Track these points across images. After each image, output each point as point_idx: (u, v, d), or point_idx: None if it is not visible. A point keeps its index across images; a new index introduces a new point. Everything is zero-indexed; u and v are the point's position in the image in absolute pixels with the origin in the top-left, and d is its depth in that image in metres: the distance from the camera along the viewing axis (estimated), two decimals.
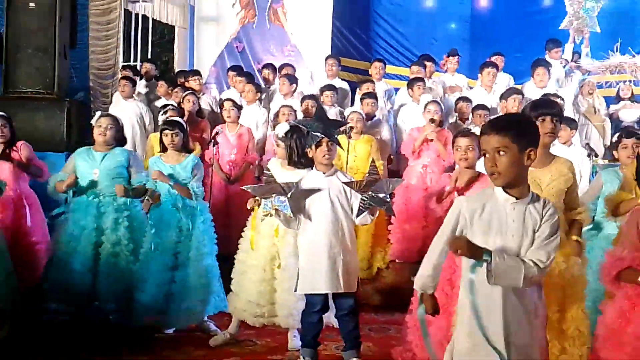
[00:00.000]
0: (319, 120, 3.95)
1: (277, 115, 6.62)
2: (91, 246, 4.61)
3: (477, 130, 4.33)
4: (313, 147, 3.87)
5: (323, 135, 3.83)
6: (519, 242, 2.39)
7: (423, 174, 6.06)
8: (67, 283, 4.57)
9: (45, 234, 5.28)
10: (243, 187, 4.22)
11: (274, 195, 3.88)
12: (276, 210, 3.89)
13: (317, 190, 3.85)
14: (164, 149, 4.78)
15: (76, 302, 4.58)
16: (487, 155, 2.41)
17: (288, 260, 4.30)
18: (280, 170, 4.33)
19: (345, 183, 3.86)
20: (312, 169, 4.06)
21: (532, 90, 7.31)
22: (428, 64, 8.16)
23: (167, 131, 4.71)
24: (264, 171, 4.07)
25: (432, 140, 6.04)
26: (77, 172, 4.72)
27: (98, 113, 5.04)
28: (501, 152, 2.36)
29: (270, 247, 4.38)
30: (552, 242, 2.39)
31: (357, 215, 3.83)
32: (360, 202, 3.76)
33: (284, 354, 4.34)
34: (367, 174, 3.80)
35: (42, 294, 4.72)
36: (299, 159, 4.20)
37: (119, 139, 4.86)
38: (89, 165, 4.71)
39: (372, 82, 7.74)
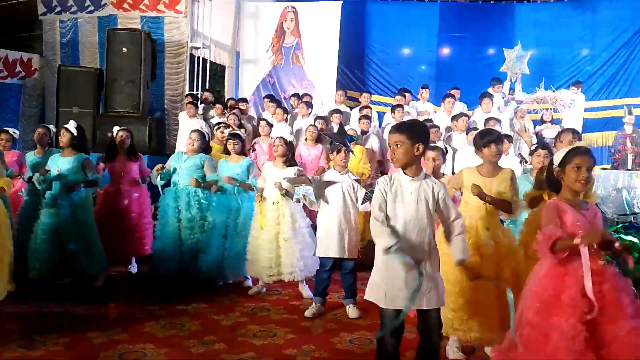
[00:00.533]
0: (340, 134, 4.02)
1: (306, 130, 6.52)
2: (175, 221, 4.63)
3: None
4: (334, 152, 3.90)
5: (342, 145, 3.87)
6: (415, 208, 2.48)
7: None
8: (164, 248, 4.63)
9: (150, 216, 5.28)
10: (283, 178, 4.22)
11: (302, 185, 3.91)
12: (303, 195, 3.91)
13: (334, 183, 3.89)
14: (227, 152, 4.79)
15: (170, 260, 4.61)
16: (390, 147, 2.56)
17: (289, 234, 4.30)
18: (272, 169, 4.40)
19: (355, 180, 3.90)
20: (295, 167, 4.27)
21: (480, 115, 7.25)
22: (406, 94, 8.10)
23: (230, 140, 4.73)
24: (297, 168, 4.09)
25: None
26: (170, 168, 4.79)
27: (190, 130, 5.11)
28: (398, 145, 2.50)
29: (275, 226, 4.36)
30: (454, 205, 2.58)
31: (362, 204, 3.85)
32: (365, 195, 3.79)
33: (301, 300, 4.34)
34: (372, 176, 3.84)
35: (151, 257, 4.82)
36: (292, 160, 4.42)
37: (204, 148, 4.86)
38: (177, 164, 4.77)
39: (370, 108, 7.71)
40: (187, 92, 8.78)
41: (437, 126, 6.48)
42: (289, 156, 4.42)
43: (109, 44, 7.66)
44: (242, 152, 4.81)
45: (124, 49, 7.56)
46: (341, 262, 3.95)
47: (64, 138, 4.52)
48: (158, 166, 4.70)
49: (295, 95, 8.43)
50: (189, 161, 4.74)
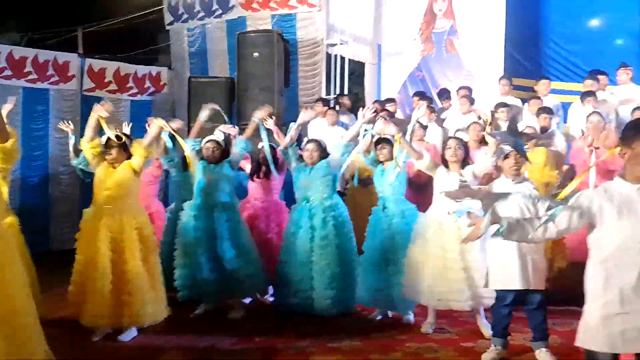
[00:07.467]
0: (510, 133, 3.90)
1: (468, 129, 6.41)
2: (308, 243, 4.97)
3: None
4: (502, 158, 3.83)
5: (512, 148, 3.78)
6: None
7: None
8: (292, 274, 4.99)
9: None
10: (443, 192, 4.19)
11: (465, 200, 3.85)
12: (468, 212, 3.85)
13: (506, 195, 3.76)
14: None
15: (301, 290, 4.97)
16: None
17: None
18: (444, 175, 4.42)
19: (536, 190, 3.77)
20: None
21: None
22: (601, 77, 7.62)
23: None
24: (459, 178, 4.07)
25: (597, 148, 5.60)
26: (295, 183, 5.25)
27: (305, 139, 5.50)
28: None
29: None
30: None
31: None
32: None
33: (475, 341, 4.28)
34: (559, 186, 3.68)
35: None
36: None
37: (323, 157, 5.13)
38: (302, 177, 5.11)
39: (539, 98, 7.39)
40: (323, 96, 9.18)
41: None
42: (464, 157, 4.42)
43: (240, 48, 8.30)
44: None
45: (255, 54, 8.14)
46: (525, 295, 3.84)
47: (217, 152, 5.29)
48: None
49: (444, 91, 8.50)
50: (316, 172, 5.02)
